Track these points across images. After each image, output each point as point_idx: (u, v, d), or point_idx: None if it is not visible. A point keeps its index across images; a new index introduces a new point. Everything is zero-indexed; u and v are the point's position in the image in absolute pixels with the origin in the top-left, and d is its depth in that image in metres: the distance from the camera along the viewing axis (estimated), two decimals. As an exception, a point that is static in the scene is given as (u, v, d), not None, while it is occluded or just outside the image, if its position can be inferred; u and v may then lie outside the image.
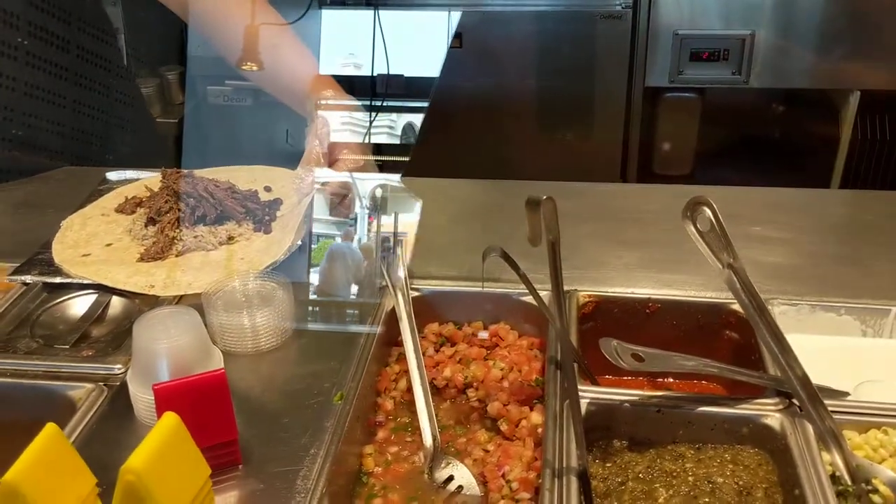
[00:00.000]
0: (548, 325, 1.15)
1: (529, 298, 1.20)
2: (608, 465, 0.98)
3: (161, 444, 0.76)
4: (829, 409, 0.97)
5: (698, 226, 1.00)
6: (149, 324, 0.95)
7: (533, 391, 1.09)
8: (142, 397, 0.94)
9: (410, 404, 1.09)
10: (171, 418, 0.79)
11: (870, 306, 1.16)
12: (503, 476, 0.98)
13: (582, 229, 1.42)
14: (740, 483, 0.94)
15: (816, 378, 1.05)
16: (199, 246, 1.30)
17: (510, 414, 1.06)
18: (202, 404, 0.88)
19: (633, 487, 0.95)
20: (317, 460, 0.92)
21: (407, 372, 1.11)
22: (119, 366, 1.05)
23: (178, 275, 1.23)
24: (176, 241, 1.31)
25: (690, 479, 0.95)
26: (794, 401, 0.98)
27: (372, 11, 3.76)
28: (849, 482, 0.90)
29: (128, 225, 1.38)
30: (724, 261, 0.99)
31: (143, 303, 1.19)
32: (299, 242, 1.30)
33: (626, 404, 1.00)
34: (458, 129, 3.11)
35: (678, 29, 2.90)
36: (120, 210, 1.44)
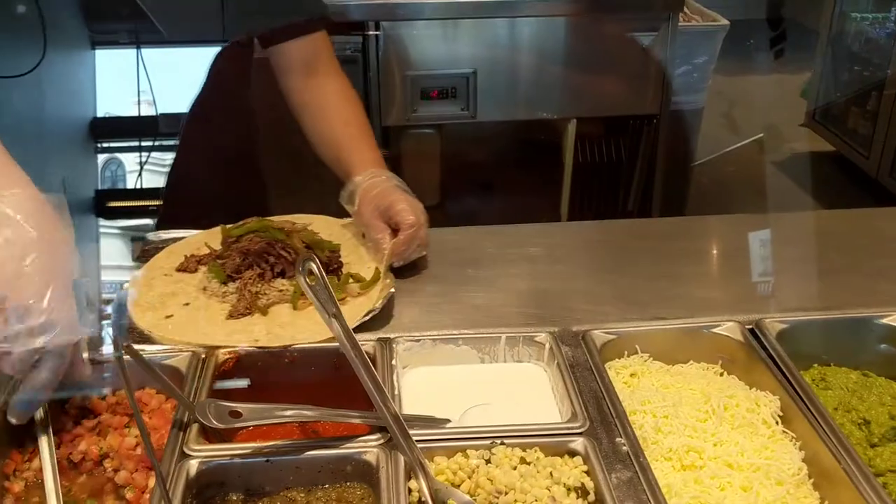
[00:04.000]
0: (198, 384, 1.19)
1: (171, 362, 1.24)
2: (221, 519, 1.03)
3: None
4: (427, 437, 1.07)
5: (307, 280, 1.07)
6: None
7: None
8: None
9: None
10: None
11: (481, 335, 1.28)
12: (123, 544, 1.00)
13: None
14: (340, 519, 1.02)
15: (433, 407, 1.16)
16: (284, 299, 1.36)
17: (136, 481, 1.08)
18: None
19: (245, 538, 1.00)
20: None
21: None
22: None
23: (277, 329, 1.29)
24: (260, 295, 1.35)
25: (297, 522, 1.02)
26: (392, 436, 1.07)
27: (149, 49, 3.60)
28: (430, 506, 1.00)
29: (197, 283, 1.41)
30: (329, 311, 1.07)
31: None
32: (392, 290, 1.38)
33: (237, 459, 1.05)
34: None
35: (407, 70, 3.04)
36: (182, 269, 1.46)
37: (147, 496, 1.06)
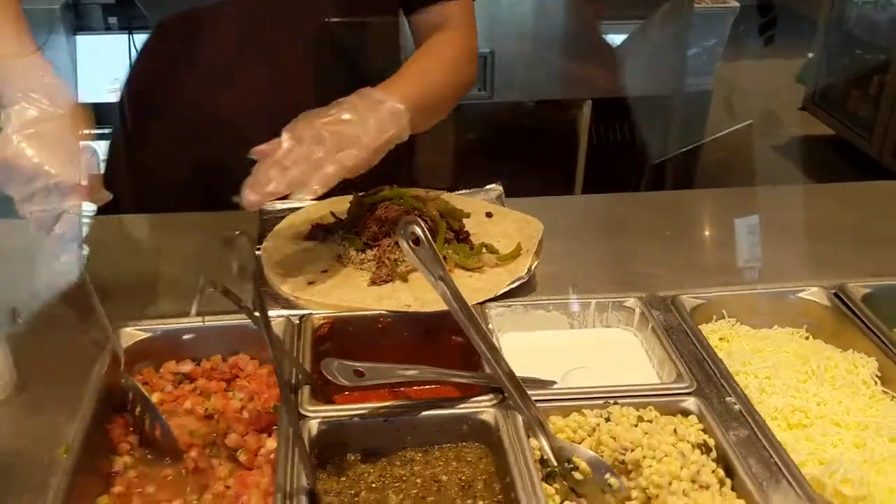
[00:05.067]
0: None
1: (266, 327, 1.23)
2: (342, 479, 1.02)
3: None
4: (537, 398, 1.07)
5: (411, 242, 1.07)
6: None
7: (271, 418, 1.11)
8: None
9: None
10: None
11: (571, 300, 1.29)
12: (243, 506, 1.00)
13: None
14: (463, 478, 1.02)
15: (530, 370, 1.16)
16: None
17: (248, 443, 1.07)
18: None
19: (366, 497, 1.00)
20: (40, 520, 0.90)
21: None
22: None
23: (424, 295, 1.28)
24: (399, 262, 1.35)
25: (419, 481, 1.02)
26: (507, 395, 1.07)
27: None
28: (554, 463, 1.00)
29: (330, 251, 1.42)
30: (436, 273, 1.07)
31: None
32: (537, 262, 1.38)
33: (356, 418, 1.05)
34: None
35: (423, 49, 3.01)
36: (309, 237, 1.46)
37: (259, 459, 1.06)
